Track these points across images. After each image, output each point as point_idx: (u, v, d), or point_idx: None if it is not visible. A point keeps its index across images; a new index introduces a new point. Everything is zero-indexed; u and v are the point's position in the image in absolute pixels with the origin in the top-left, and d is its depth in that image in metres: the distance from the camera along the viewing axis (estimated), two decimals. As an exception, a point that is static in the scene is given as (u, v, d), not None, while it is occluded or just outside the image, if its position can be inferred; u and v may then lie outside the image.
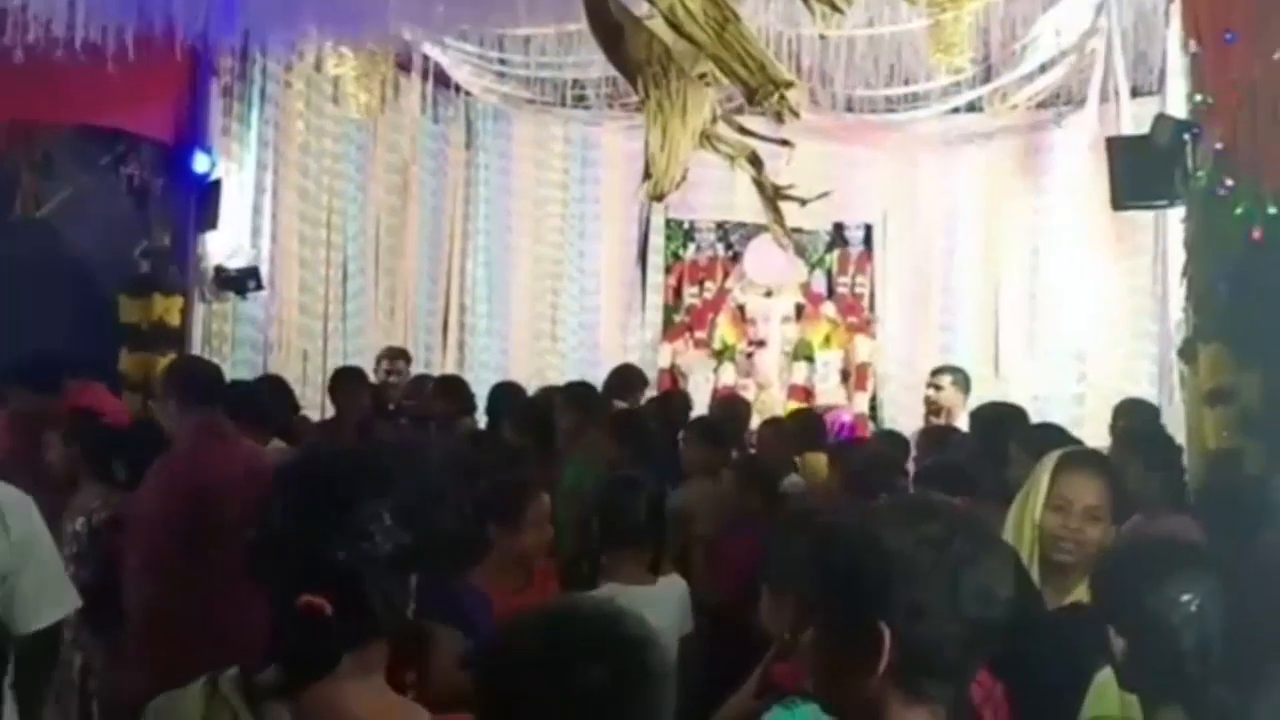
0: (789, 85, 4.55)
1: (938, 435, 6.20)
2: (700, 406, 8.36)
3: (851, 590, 1.53)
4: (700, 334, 10.01)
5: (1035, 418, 6.03)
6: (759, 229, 9.86)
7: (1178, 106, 6.35)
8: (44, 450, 4.61)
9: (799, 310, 9.98)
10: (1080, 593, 2.71)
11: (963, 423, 6.52)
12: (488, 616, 3.38)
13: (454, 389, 6.86)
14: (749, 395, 9.14)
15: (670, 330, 10.15)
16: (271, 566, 1.68)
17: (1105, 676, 2.24)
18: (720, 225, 10.23)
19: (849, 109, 9.54)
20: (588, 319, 10.35)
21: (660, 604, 3.63)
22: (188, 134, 7.82)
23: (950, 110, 9.52)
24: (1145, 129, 6.46)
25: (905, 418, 8.74)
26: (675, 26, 4.65)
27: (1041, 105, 9.38)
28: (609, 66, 9.13)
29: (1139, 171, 6.11)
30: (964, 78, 8.99)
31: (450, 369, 9.24)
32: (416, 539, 1.68)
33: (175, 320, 7.65)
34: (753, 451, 6.49)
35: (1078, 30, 8.52)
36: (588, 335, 10.30)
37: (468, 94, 9.90)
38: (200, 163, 7.84)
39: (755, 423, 7.51)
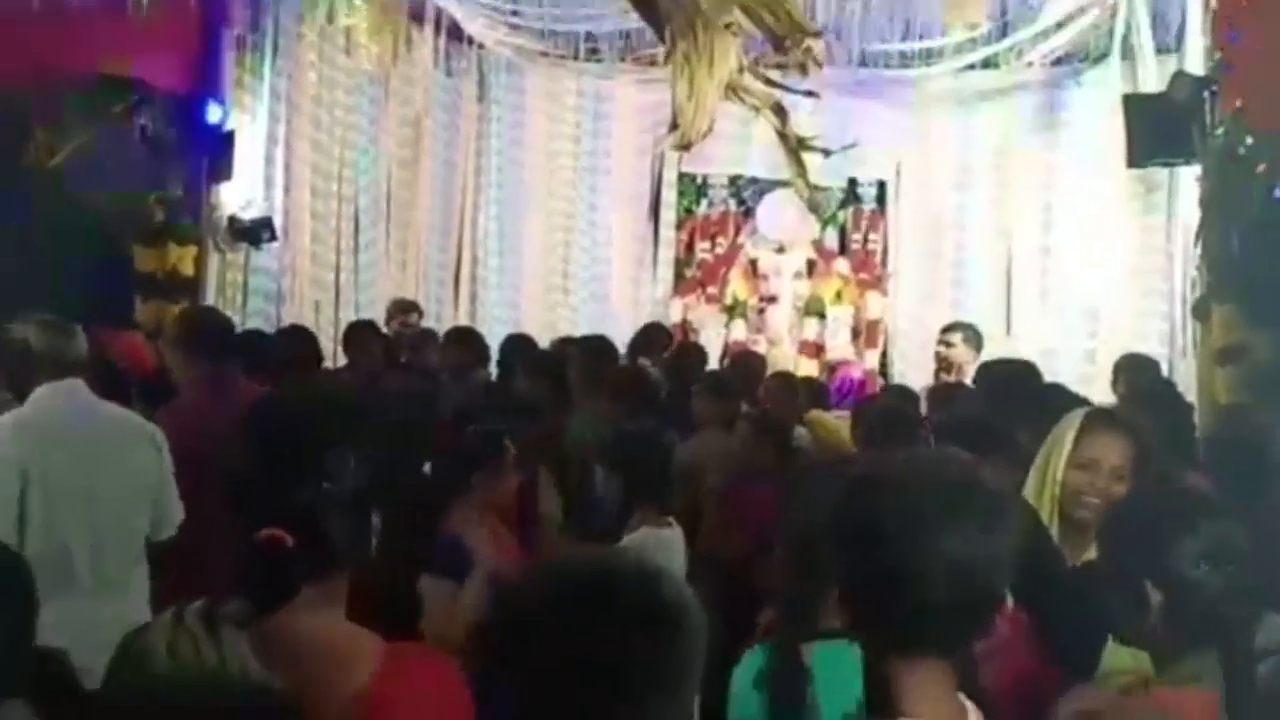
0: (816, 34, 4.54)
1: (947, 392, 6.21)
2: (711, 362, 8.37)
3: (872, 546, 1.56)
4: (712, 289, 10.00)
5: (1046, 375, 6.03)
6: (772, 184, 9.87)
7: (1196, 65, 6.31)
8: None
9: (811, 266, 9.97)
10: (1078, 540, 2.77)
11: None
12: (466, 562, 3.46)
13: (467, 340, 6.87)
14: (760, 351, 9.15)
15: (682, 285, 10.15)
16: (239, 501, 1.75)
17: None
18: (733, 180, 10.19)
19: (863, 64, 9.49)
20: (599, 272, 10.35)
21: (677, 548, 3.69)
22: (201, 84, 7.81)
23: (965, 67, 9.46)
24: (1161, 87, 6.44)
25: (916, 374, 8.73)
26: (704, -26, 4.64)
27: (1057, 62, 9.32)
28: (623, 19, 9.16)
29: (1156, 129, 6.08)
30: (980, 34, 8.94)
31: (462, 321, 9.26)
32: (376, 479, 1.74)
33: (189, 270, 7.67)
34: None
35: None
36: (599, 289, 10.30)
37: (480, 46, 9.85)
38: (213, 113, 7.83)
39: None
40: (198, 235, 7.80)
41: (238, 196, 8.03)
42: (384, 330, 7.44)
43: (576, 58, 9.98)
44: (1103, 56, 9.07)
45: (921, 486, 1.58)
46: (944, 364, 7.27)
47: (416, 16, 9.22)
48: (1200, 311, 5.43)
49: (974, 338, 7.33)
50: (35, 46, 6.49)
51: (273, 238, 8.08)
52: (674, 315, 9.86)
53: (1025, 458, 3.12)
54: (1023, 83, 9.50)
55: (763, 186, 9.98)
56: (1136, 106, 6.69)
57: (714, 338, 9.57)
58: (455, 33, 9.56)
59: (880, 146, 9.61)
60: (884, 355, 9.84)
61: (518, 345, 6.63)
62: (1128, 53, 8.63)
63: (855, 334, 9.83)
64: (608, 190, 10.37)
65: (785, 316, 9.82)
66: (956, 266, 9.88)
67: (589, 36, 9.72)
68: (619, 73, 10.06)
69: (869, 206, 10.12)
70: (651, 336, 7.50)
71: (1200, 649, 1.98)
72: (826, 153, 6.27)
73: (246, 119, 8.10)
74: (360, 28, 8.66)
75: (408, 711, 1.72)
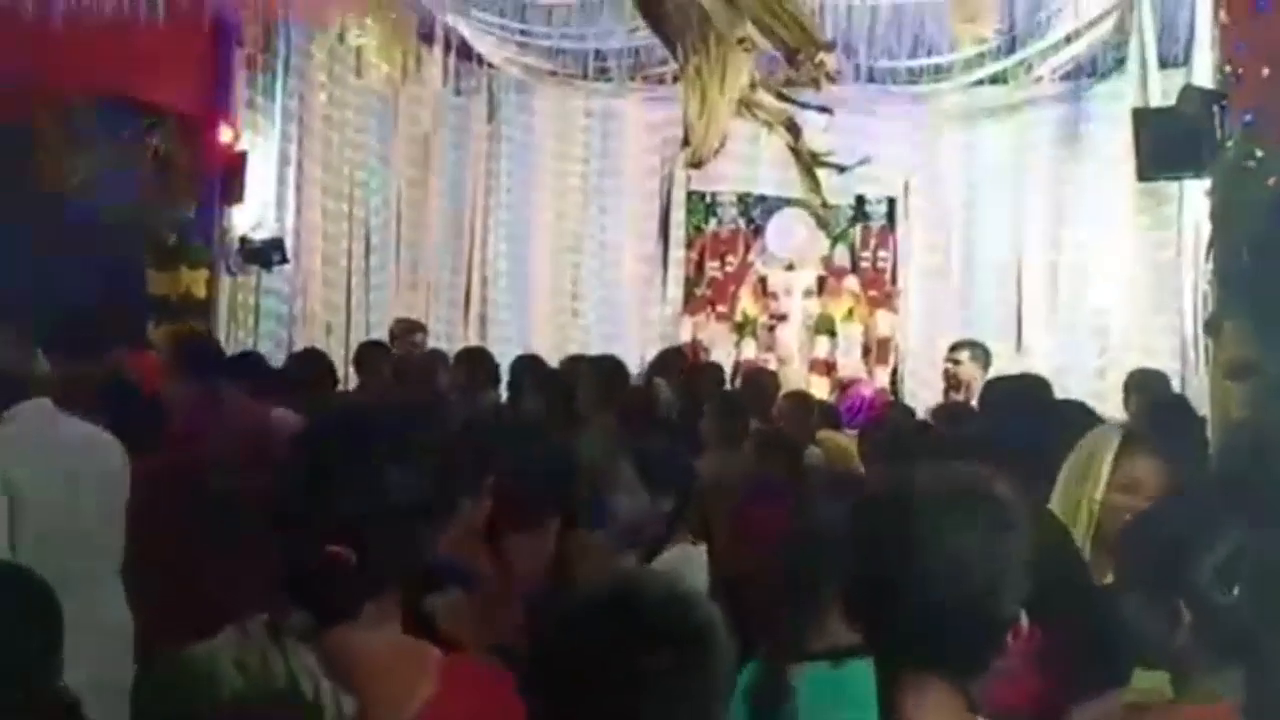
0: (830, 47, 4.54)
1: (952, 411, 6.19)
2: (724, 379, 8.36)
3: (881, 561, 1.56)
4: (722, 307, 10.00)
5: (1057, 391, 6.00)
6: (781, 202, 9.88)
7: (1204, 79, 6.30)
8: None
9: (821, 284, 9.96)
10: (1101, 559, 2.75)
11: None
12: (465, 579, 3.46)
13: (476, 360, 6.87)
14: (771, 369, 9.13)
15: (692, 304, 10.14)
16: (295, 519, 1.76)
17: None
18: (742, 198, 10.20)
19: (872, 80, 9.49)
20: (609, 292, 10.35)
21: (703, 566, 3.68)
22: (212, 106, 7.85)
23: (974, 82, 9.46)
24: (1171, 101, 6.43)
25: (926, 392, 8.73)
26: (716, -12, 4.64)
27: (1066, 77, 9.31)
28: (631, 38, 9.19)
29: (1165, 143, 6.07)
30: (988, 49, 8.93)
31: (472, 341, 9.27)
32: (429, 493, 1.76)
33: (202, 292, 7.70)
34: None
35: (1104, 0, 8.46)
36: (609, 309, 10.30)
37: (490, 66, 9.89)
38: (224, 134, 7.87)
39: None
40: (210, 258, 7.83)
41: (248, 218, 8.06)
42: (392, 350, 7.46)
43: (585, 76, 10.01)
44: (1111, 71, 9.06)
45: (931, 501, 1.58)
46: (953, 382, 7.28)
47: (426, 36, 9.27)
48: (1211, 326, 5.41)
49: (982, 355, 7.33)
50: (47, 69, 6.53)
51: (283, 259, 8.11)
52: (684, 334, 9.86)
53: (1035, 473, 3.11)
54: (1031, 98, 9.49)
55: (771, 204, 9.99)
56: (1146, 120, 6.68)
57: (724, 356, 9.55)
58: (464, 52, 9.60)
59: (889, 163, 9.61)
60: (895, 373, 9.82)
61: (527, 365, 6.63)
62: (1137, 67, 8.62)
63: (866, 352, 9.81)
64: (617, 209, 10.38)
65: (795, 334, 9.81)
66: (966, 283, 9.86)
67: (598, 55, 9.75)
68: (628, 91, 10.08)
69: (878, 223, 10.12)
70: (669, 360, 7.50)
71: (1224, 667, 1.96)
72: (841, 168, 6.26)
73: (258, 140, 8.14)
74: (370, 47, 8.71)
75: None
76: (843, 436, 6.03)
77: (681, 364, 7.57)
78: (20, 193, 6.65)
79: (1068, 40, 8.89)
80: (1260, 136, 4.85)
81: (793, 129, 6.06)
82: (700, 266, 10.26)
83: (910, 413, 6.26)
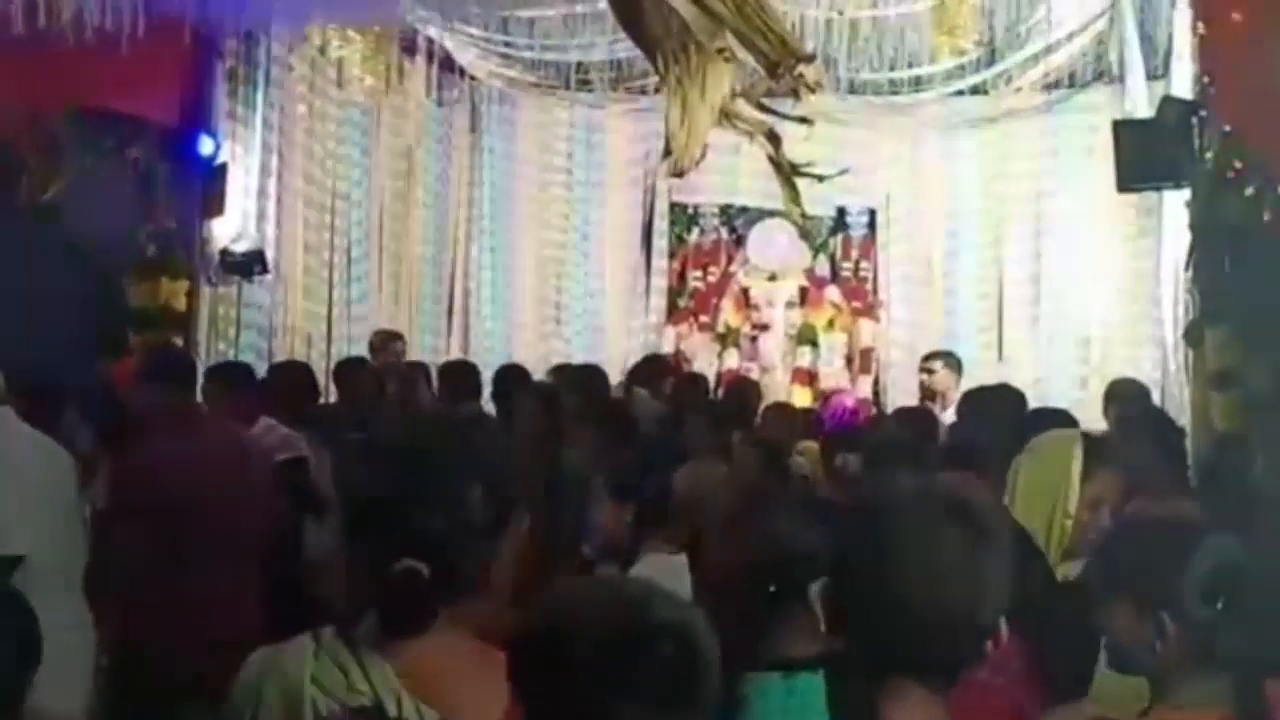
0: (809, 59, 4.55)
1: (914, 415, 6.22)
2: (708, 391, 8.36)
3: (862, 570, 1.56)
4: (704, 318, 10.00)
5: (1038, 400, 6.03)
6: (763, 213, 9.89)
7: (1184, 89, 6.35)
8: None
9: (803, 294, 9.97)
10: (1065, 569, 2.80)
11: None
12: None
13: (459, 372, 6.86)
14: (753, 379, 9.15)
15: (674, 314, 10.15)
16: (370, 532, 1.79)
17: None
18: (724, 209, 10.22)
19: (852, 92, 9.52)
20: (592, 303, 10.35)
21: (683, 576, 3.66)
22: (193, 117, 7.82)
23: (954, 93, 9.50)
24: (1150, 112, 6.47)
25: (908, 401, 8.73)
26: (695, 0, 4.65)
27: (1046, 88, 9.36)
28: (613, 49, 9.20)
29: (1145, 154, 6.11)
30: (968, 60, 8.97)
31: (455, 353, 9.26)
32: (501, 508, 1.80)
33: (182, 304, 7.66)
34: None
35: (1084, 12, 8.51)
36: (592, 319, 10.31)
37: (472, 77, 9.88)
38: (205, 146, 7.84)
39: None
40: (190, 269, 7.80)
41: (229, 229, 8.02)
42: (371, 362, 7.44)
43: (568, 88, 10.02)
44: (1091, 82, 9.12)
45: (914, 511, 1.58)
46: (928, 392, 7.34)
47: (408, 48, 9.26)
48: (1192, 336, 5.44)
49: (955, 364, 7.42)
50: (26, 81, 6.50)
51: (264, 271, 8.08)
52: (667, 344, 9.86)
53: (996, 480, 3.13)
54: (1012, 109, 9.53)
55: (753, 215, 10.01)
56: (1126, 131, 6.72)
57: (707, 366, 9.55)
58: (447, 64, 9.59)
59: (870, 174, 9.64)
60: (877, 383, 9.84)
61: (511, 376, 6.62)
62: (1116, 78, 8.68)
63: (848, 361, 9.83)
64: (600, 220, 10.39)
65: (778, 344, 9.82)
66: (948, 293, 9.90)
67: (580, 67, 9.75)
68: (610, 103, 10.09)
69: (860, 234, 10.15)
70: (648, 369, 7.49)
71: (1210, 677, 1.97)
72: (820, 178, 6.26)
73: (239, 151, 8.10)
74: (352, 59, 8.69)
75: None
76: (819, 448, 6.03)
77: (663, 372, 7.56)
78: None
79: (1047, 51, 8.94)
80: (1239, 147, 4.88)
81: (773, 139, 6.06)
82: (683, 277, 10.27)
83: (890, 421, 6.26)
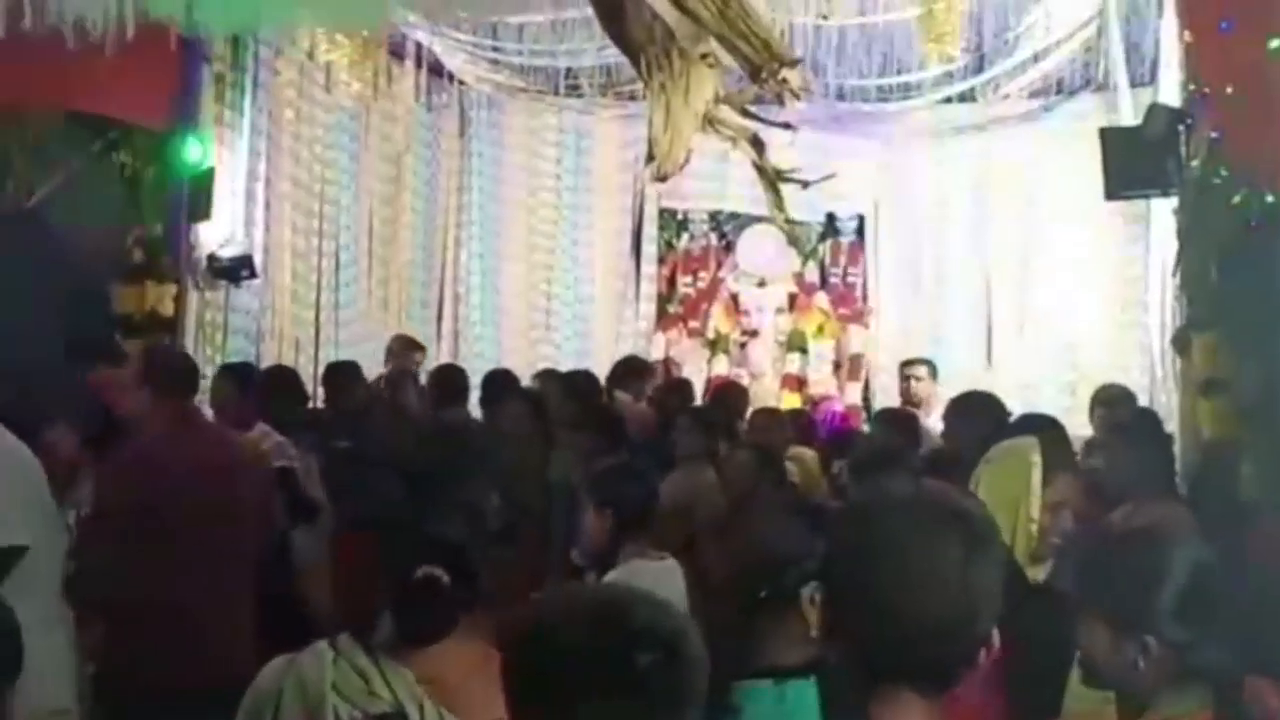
0: (793, 64, 4.55)
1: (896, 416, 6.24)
2: (695, 397, 8.36)
3: (856, 577, 1.56)
4: (694, 324, 10.02)
5: (1026, 407, 6.03)
6: (752, 219, 9.91)
7: (1171, 97, 6.36)
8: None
9: (792, 300, 10.00)
10: (1034, 573, 2.83)
11: (937, 411, 6.51)
12: None
13: (447, 378, 6.85)
14: (742, 384, 9.15)
15: (664, 320, 10.16)
16: (388, 537, 1.82)
17: None
18: (713, 215, 10.24)
19: (841, 98, 9.54)
20: (582, 309, 10.36)
21: (672, 579, 3.66)
22: (180, 121, 7.80)
23: (943, 100, 9.53)
24: (1137, 119, 6.48)
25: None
26: (678, 4, 4.64)
27: (1034, 95, 9.39)
28: (602, 55, 9.20)
29: (1132, 162, 6.11)
30: (956, 67, 8.99)
31: (444, 358, 9.24)
32: (516, 517, 1.81)
33: (169, 309, 7.62)
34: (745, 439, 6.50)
35: (1071, 20, 8.53)
36: (582, 325, 10.31)
37: (461, 82, 9.88)
38: (192, 150, 7.81)
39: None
40: (177, 274, 7.77)
41: (217, 234, 7.99)
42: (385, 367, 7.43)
43: (557, 93, 10.03)
44: (1079, 89, 9.16)
45: (903, 516, 1.58)
46: (913, 399, 7.35)
47: (397, 52, 9.25)
48: (1179, 343, 5.45)
49: (934, 371, 7.48)
50: (12, 84, 6.47)
51: (252, 275, 8.05)
52: (656, 350, 9.86)
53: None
54: (999, 116, 9.57)
55: (743, 221, 10.04)
56: (1113, 139, 6.73)
57: (696, 372, 9.57)
58: (436, 68, 9.59)
59: (858, 181, 9.66)
60: (866, 388, 9.85)
61: (498, 381, 6.61)
62: (1103, 85, 8.71)
63: (837, 367, 9.85)
64: (589, 226, 10.40)
65: (767, 350, 9.84)
66: (936, 300, 9.92)
67: (569, 72, 9.76)
68: (599, 108, 10.10)
69: (848, 240, 10.17)
70: (630, 368, 7.48)
71: (1188, 686, 1.97)
72: (805, 184, 6.25)
73: (226, 155, 8.08)
74: (340, 63, 8.67)
75: None
76: (810, 453, 6.04)
77: (640, 373, 7.55)
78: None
79: (1035, 59, 8.98)
80: (1226, 154, 4.89)
81: (757, 145, 6.06)
82: (672, 283, 10.29)
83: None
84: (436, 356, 9.43)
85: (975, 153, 9.77)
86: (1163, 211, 6.85)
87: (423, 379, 7.18)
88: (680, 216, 10.33)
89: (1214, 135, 4.99)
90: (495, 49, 9.42)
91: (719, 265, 10.20)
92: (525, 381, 6.87)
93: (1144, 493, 4.10)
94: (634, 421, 6.24)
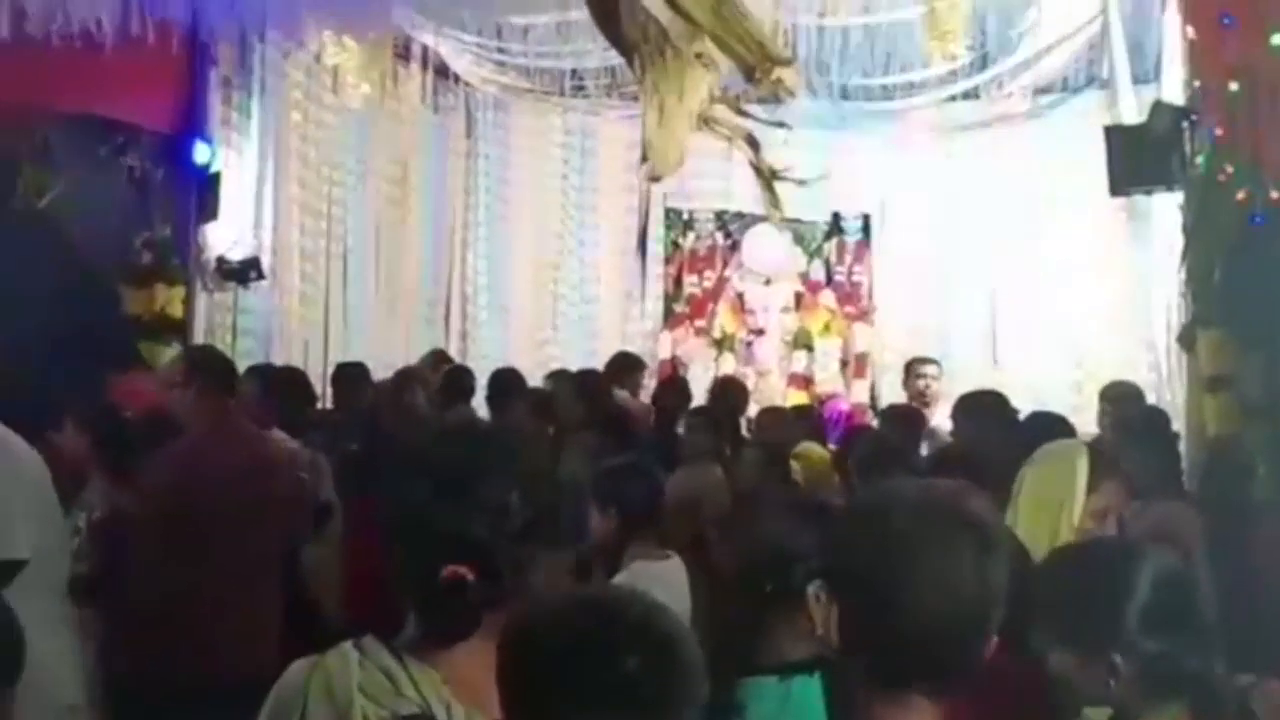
0: (788, 63, 4.55)
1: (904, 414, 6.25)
2: (701, 396, 8.36)
3: (861, 575, 1.57)
4: (700, 323, 10.03)
5: (1033, 405, 6.03)
6: (757, 218, 9.91)
7: (1174, 93, 6.37)
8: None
9: (798, 299, 10.01)
10: None
11: (944, 410, 6.51)
12: None
13: (455, 378, 6.86)
14: (749, 384, 9.15)
15: (670, 319, 10.18)
16: (413, 537, 1.80)
17: None
18: (719, 214, 10.25)
19: (845, 97, 9.55)
20: (588, 309, 10.37)
21: (675, 580, 3.68)
22: (188, 124, 7.84)
23: (947, 98, 9.53)
24: (1141, 116, 6.48)
25: (905, 405, 8.74)
26: (672, 3, 4.65)
27: (1038, 92, 9.39)
28: (607, 56, 9.21)
29: (1137, 159, 6.13)
30: (960, 65, 9.00)
31: (451, 359, 9.24)
32: (539, 514, 1.80)
33: (178, 311, 7.66)
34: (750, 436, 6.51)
35: (1075, 17, 8.54)
36: (589, 325, 10.32)
37: (467, 84, 9.91)
38: (200, 153, 7.85)
39: (752, 408, 7.52)
40: (186, 276, 7.80)
41: (225, 236, 8.03)
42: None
43: (562, 94, 10.05)
44: (1083, 87, 9.15)
45: (912, 515, 1.57)
46: (922, 397, 7.32)
47: (403, 55, 9.28)
48: (1185, 340, 5.45)
49: (940, 370, 7.48)
50: (22, 87, 6.51)
51: (260, 277, 8.09)
52: (663, 350, 9.88)
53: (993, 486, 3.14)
54: (1004, 114, 9.56)
55: (748, 220, 10.04)
56: (1117, 137, 6.74)
57: (703, 371, 9.59)
58: (442, 70, 9.61)
59: (864, 179, 9.67)
60: (872, 387, 9.86)
61: (506, 380, 6.63)
62: (1107, 83, 8.70)
63: (843, 366, 9.86)
64: (595, 226, 10.41)
65: (774, 349, 9.85)
66: (942, 298, 9.90)
67: (574, 73, 9.78)
68: (605, 109, 10.12)
69: (854, 238, 10.18)
70: (623, 364, 7.47)
71: (1167, 701, 1.96)
72: (801, 182, 6.26)
73: (234, 158, 8.12)
74: (347, 66, 8.70)
75: None
76: (818, 450, 6.04)
77: (635, 368, 7.55)
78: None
79: (1039, 57, 8.97)
80: (1230, 151, 4.90)
81: (752, 144, 6.07)
82: (678, 282, 10.30)
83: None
84: (444, 357, 9.45)
85: (980, 150, 9.76)
86: (1167, 208, 6.86)
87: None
88: (686, 216, 10.34)
89: (1218, 132, 5.00)
90: (501, 51, 9.44)
91: (725, 264, 10.22)
92: (535, 382, 6.88)
93: (1152, 491, 4.12)
94: (635, 418, 6.26)
